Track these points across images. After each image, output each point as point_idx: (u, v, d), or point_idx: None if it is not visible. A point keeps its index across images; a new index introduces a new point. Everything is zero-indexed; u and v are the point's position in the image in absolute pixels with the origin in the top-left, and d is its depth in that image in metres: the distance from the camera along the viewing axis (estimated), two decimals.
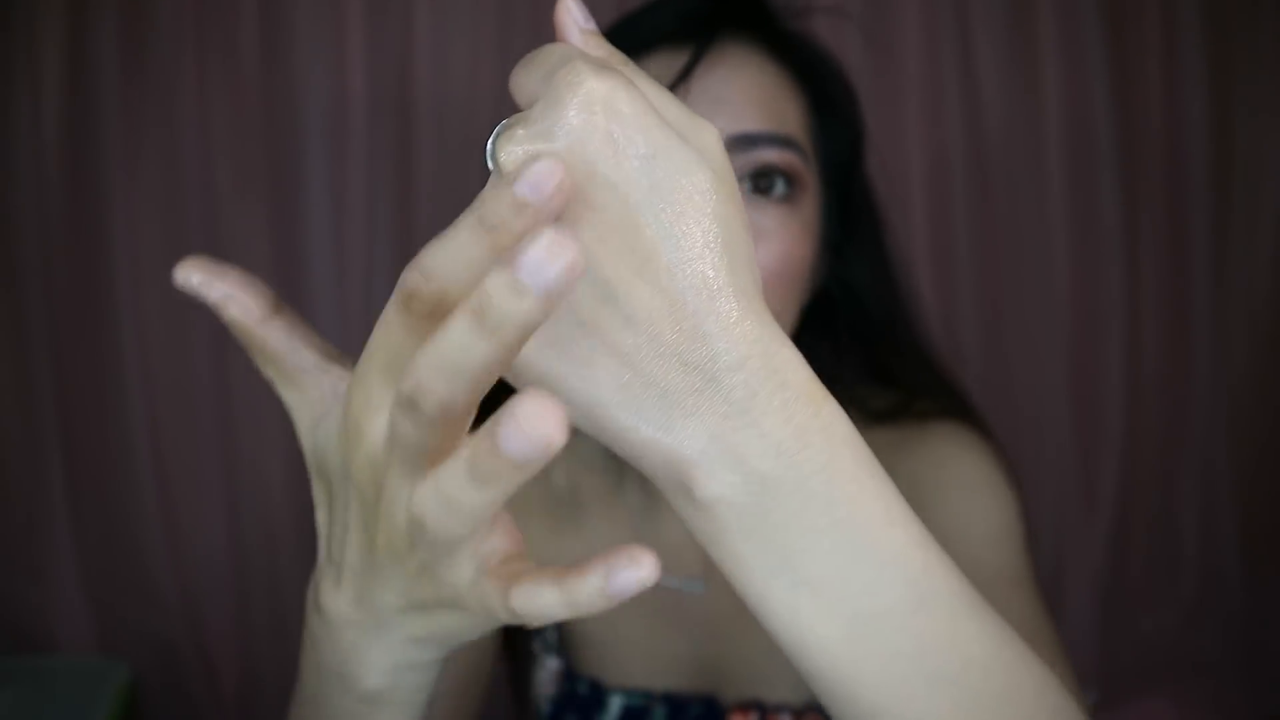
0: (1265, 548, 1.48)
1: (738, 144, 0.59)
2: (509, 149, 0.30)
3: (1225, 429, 1.48)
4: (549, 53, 0.32)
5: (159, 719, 1.32)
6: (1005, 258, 1.41)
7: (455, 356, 0.25)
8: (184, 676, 1.32)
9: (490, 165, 0.32)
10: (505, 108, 1.20)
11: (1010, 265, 1.41)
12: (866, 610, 0.31)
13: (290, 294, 1.29)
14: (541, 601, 0.27)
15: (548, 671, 0.76)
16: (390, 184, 1.31)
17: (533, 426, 0.23)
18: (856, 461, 0.32)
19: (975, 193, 1.39)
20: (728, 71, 0.60)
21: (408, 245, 1.31)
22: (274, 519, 1.32)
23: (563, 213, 0.30)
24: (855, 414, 0.66)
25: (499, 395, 0.26)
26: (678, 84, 0.59)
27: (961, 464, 0.68)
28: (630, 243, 0.30)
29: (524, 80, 0.32)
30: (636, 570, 0.25)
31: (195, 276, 0.32)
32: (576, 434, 0.75)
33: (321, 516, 0.34)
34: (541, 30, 1.23)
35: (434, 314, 0.28)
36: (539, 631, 0.77)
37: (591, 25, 0.34)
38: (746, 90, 0.60)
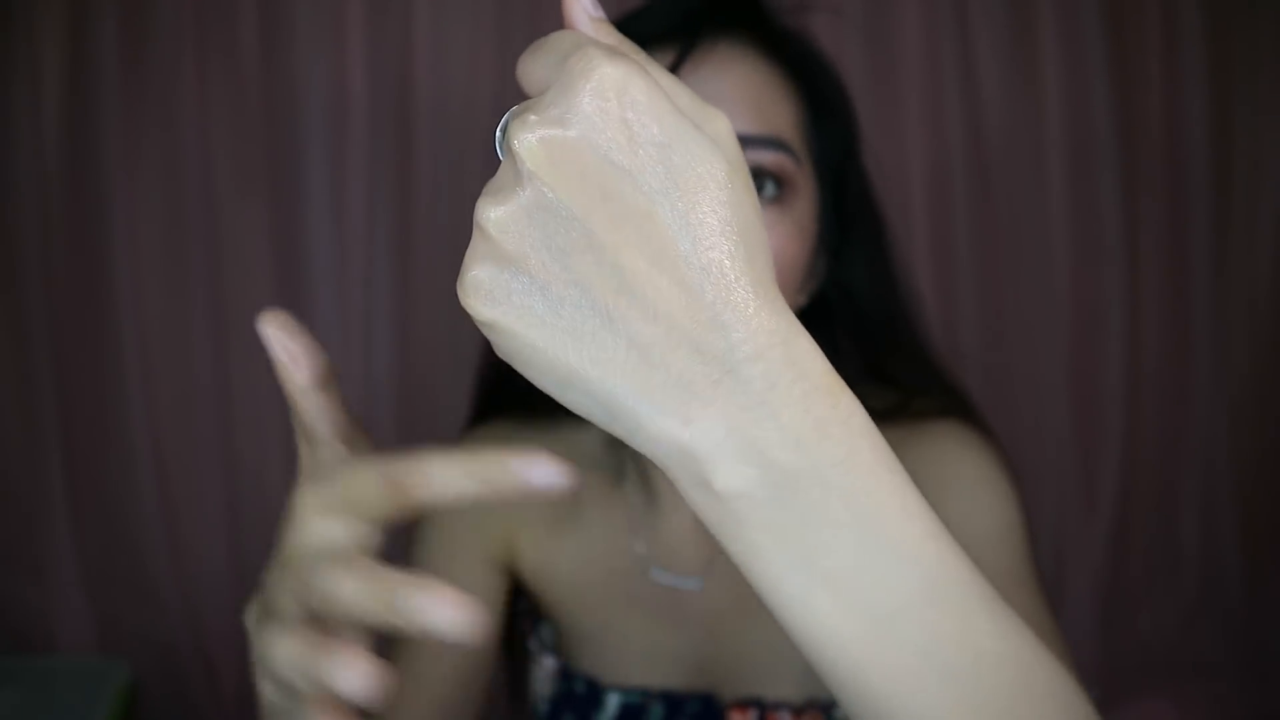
0: (1265, 548, 1.48)
1: None
2: (522, 136, 0.29)
3: (1225, 429, 1.48)
4: (560, 39, 0.31)
5: (159, 719, 1.32)
6: (1005, 258, 1.41)
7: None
8: (184, 676, 1.32)
9: (500, 152, 0.32)
10: (505, 107, 1.20)
11: (1010, 265, 1.41)
12: (882, 603, 0.31)
13: (290, 293, 1.29)
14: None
15: (544, 671, 0.75)
16: (390, 183, 1.31)
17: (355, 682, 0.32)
18: (875, 454, 0.32)
19: (975, 193, 1.39)
20: (718, 70, 0.60)
21: (408, 245, 1.31)
22: (274, 519, 1.32)
23: (577, 201, 0.30)
24: None
25: (514, 381, 0.27)
26: None
27: (963, 462, 0.68)
28: (645, 232, 0.30)
29: (533, 67, 0.32)
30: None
31: (272, 331, 0.37)
32: (576, 430, 0.75)
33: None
34: (541, 30, 1.23)
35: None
36: (535, 631, 0.77)
37: (600, 13, 0.34)
38: (737, 89, 0.60)
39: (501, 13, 1.30)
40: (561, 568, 0.74)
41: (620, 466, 0.74)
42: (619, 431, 0.32)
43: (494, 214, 0.30)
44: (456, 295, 0.32)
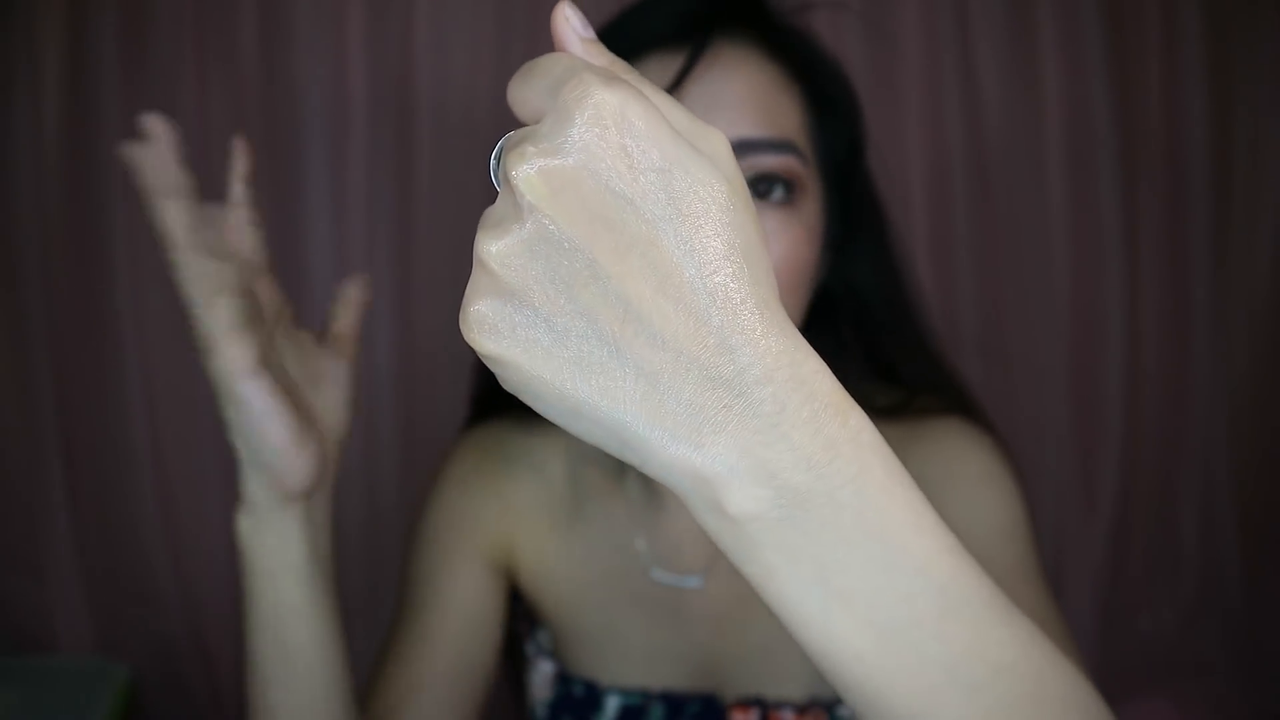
0: (1265, 548, 1.48)
1: (735, 150, 0.58)
2: (520, 168, 0.29)
3: (1225, 429, 1.48)
4: (552, 64, 0.31)
5: (159, 719, 1.32)
6: (1005, 258, 1.41)
7: None
8: (184, 676, 1.32)
9: (495, 182, 0.32)
10: (505, 108, 1.20)
11: (1010, 265, 1.41)
12: (898, 619, 0.32)
13: (290, 293, 1.29)
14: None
15: (541, 675, 0.75)
16: (390, 184, 1.31)
17: None
18: (886, 470, 0.32)
19: (975, 193, 1.39)
20: (724, 74, 0.60)
21: (408, 245, 1.31)
22: None
23: (579, 232, 0.29)
24: None
25: (509, 401, 0.27)
26: (673, 88, 0.58)
27: (967, 459, 0.68)
28: (650, 259, 0.30)
29: (526, 93, 0.31)
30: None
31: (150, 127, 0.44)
32: None
33: None
34: (541, 31, 1.23)
35: None
36: (533, 635, 0.77)
37: (590, 33, 0.33)
38: (743, 93, 0.60)
39: (502, 13, 1.30)
40: (561, 567, 0.74)
41: (621, 465, 0.74)
42: (631, 459, 0.32)
43: (494, 248, 0.30)
44: (456, 295, 0.32)
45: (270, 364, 0.53)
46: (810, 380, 0.31)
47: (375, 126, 1.30)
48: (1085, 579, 1.45)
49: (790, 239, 0.60)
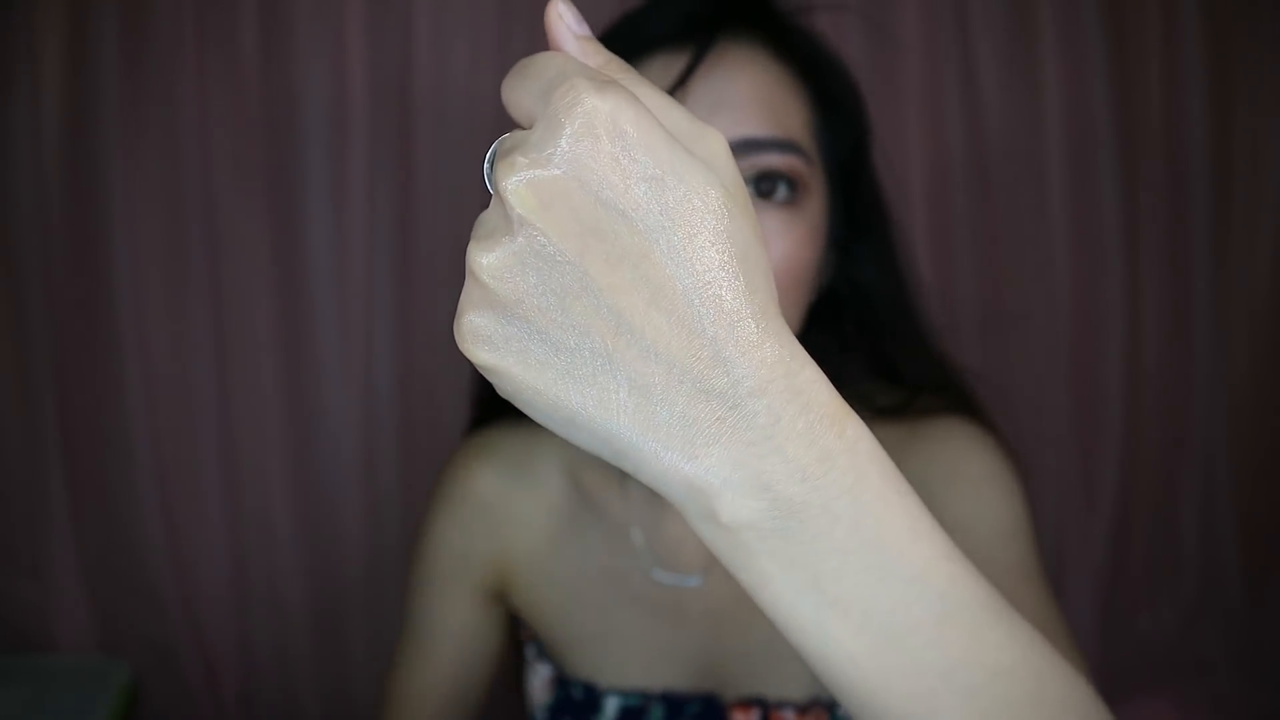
0: (1265, 548, 1.48)
1: (739, 149, 0.58)
2: (510, 180, 0.29)
3: (1225, 429, 1.48)
4: (544, 64, 0.31)
5: (159, 719, 1.32)
6: (1005, 258, 1.41)
7: None
8: (184, 676, 1.32)
9: (488, 183, 0.31)
10: (505, 109, 1.20)
11: (1010, 265, 1.41)
12: (895, 626, 0.31)
13: (290, 294, 1.29)
14: None
15: (540, 679, 0.75)
16: (390, 183, 1.31)
17: None
18: (883, 479, 0.32)
19: (975, 193, 1.39)
20: (728, 73, 0.60)
21: (408, 245, 1.31)
22: (274, 519, 1.32)
23: (570, 245, 0.29)
24: (861, 411, 0.66)
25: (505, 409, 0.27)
26: (676, 87, 0.58)
27: (969, 459, 0.68)
28: (643, 271, 0.29)
29: (519, 94, 0.31)
30: None
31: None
32: None
33: None
34: (542, 30, 1.23)
35: None
36: (531, 641, 0.77)
37: (585, 30, 0.33)
38: (748, 92, 0.60)
39: (502, 12, 1.30)
40: (560, 570, 0.74)
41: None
42: (626, 467, 0.32)
43: (486, 260, 0.30)
44: (456, 295, 0.32)
45: None
46: (806, 390, 0.31)
47: (375, 126, 1.30)
48: (1085, 579, 1.45)
49: (793, 239, 0.60)
